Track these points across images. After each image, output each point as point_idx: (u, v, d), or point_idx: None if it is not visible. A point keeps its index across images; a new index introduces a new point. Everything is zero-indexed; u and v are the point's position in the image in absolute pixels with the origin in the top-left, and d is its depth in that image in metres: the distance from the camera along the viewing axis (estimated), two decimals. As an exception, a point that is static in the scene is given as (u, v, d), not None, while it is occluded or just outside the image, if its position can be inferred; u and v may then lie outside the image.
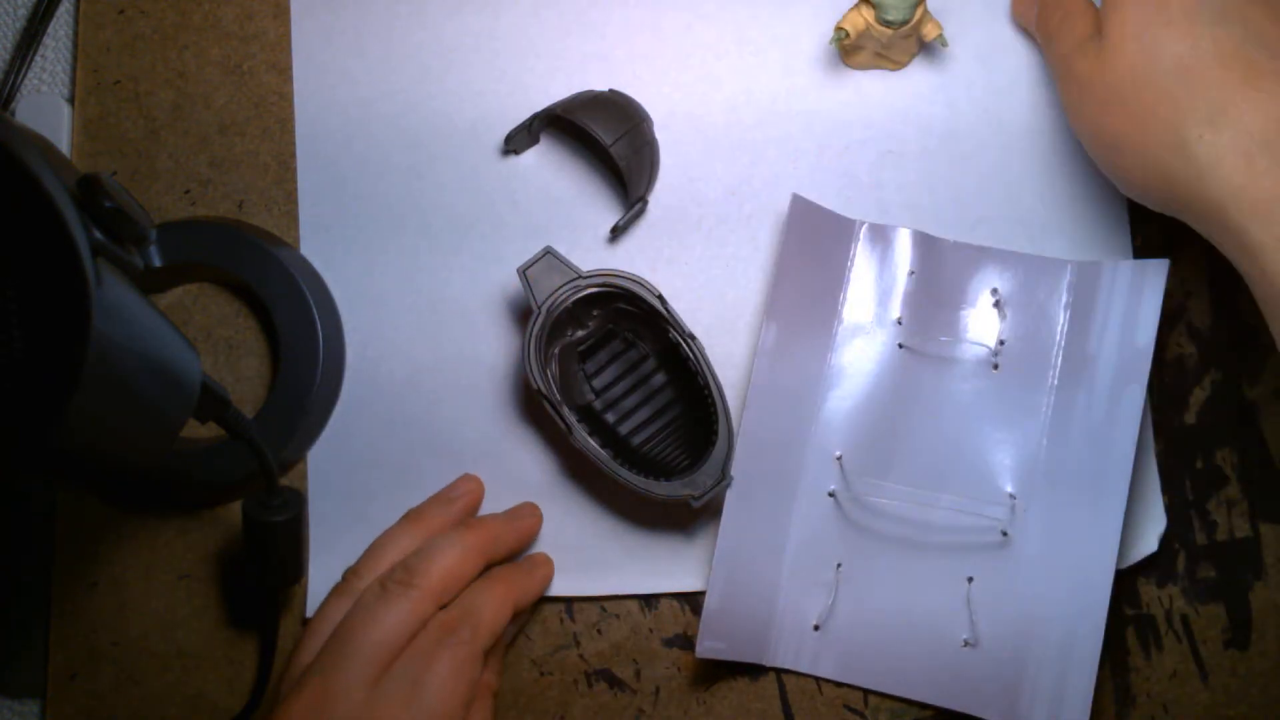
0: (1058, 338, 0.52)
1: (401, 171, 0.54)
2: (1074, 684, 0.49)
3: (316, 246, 0.54)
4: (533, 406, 0.53)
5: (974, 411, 0.52)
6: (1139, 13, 0.45)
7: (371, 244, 0.54)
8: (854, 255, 0.53)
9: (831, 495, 0.52)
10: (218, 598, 0.53)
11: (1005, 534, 0.51)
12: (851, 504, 0.51)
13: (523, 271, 0.50)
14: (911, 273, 0.52)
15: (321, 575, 0.53)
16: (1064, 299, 0.52)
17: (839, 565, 0.51)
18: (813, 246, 0.52)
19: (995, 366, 0.52)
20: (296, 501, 0.50)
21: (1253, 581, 0.53)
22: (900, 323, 0.52)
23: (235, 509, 0.53)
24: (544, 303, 0.50)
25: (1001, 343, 0.52)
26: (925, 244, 0.53)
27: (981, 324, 0.52)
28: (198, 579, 0.53)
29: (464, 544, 0.48)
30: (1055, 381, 0.51)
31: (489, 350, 0.54)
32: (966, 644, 0.50)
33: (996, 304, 0.52)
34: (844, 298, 0.53)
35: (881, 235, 0.53)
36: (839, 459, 0.52)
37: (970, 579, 0.51)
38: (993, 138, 0.54)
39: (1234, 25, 0.44)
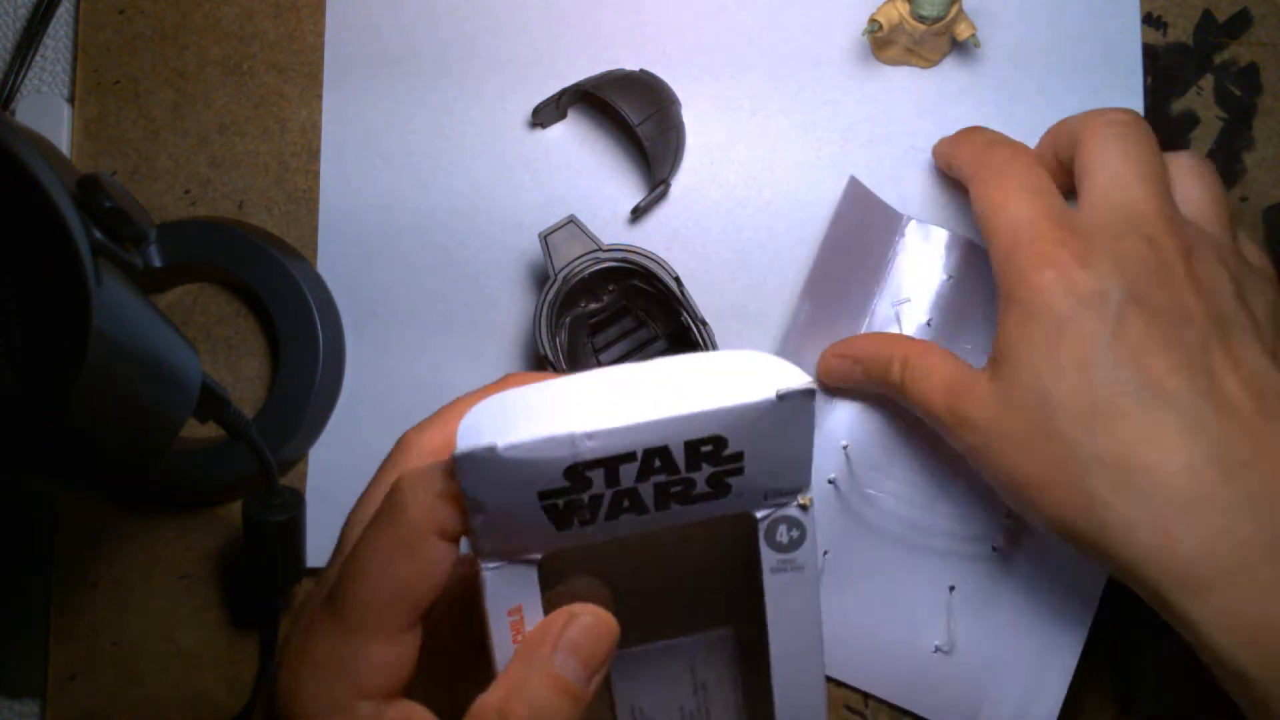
0: None
1: (426, 132, 0.55)
2: (1042, 699, 0.49)
3: (336, 203, 0.54)
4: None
5: None
6: (1030, 361, 0.42)
7: (392, 198, 0.54)
8: (898, 249, 0.53)
9: (831, 482, 0.51)
10: (218, 598, 0.53)
11: (996, 549, 0.50)
12: (850, 494, 0.51)
13: (544, 237, 0.50)
14: (949, 277, 0.52)
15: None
16: None
17: (825, 553, 0.51)
18: (859, 232, 0.52)
19: None
20: (296, 501, 0.50)
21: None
22: (929, 324, 0.52)
23: (235, 509, 0.53)
24: (561, 270, 0.50)
25: None
26: (967, 250, 0.52)
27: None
28: (198, 579, 0.53)
29: None
30: None
31: (499, 316, 0.54)
32: (938, 650, 0.50)
33: None
34: (880, 289, 0.52)
35: (925, 234, 0.53)
36: (845, 448, 0.51)
37: (952, 587, 0.51)
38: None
39: (1131, 376, 0.41)
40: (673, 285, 0.50)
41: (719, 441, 0.32)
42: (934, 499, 0.51)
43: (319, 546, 0.52)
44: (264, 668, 0.52)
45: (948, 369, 0.46)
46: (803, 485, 0.35)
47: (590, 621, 0.33)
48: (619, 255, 0.50)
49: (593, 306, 0.52)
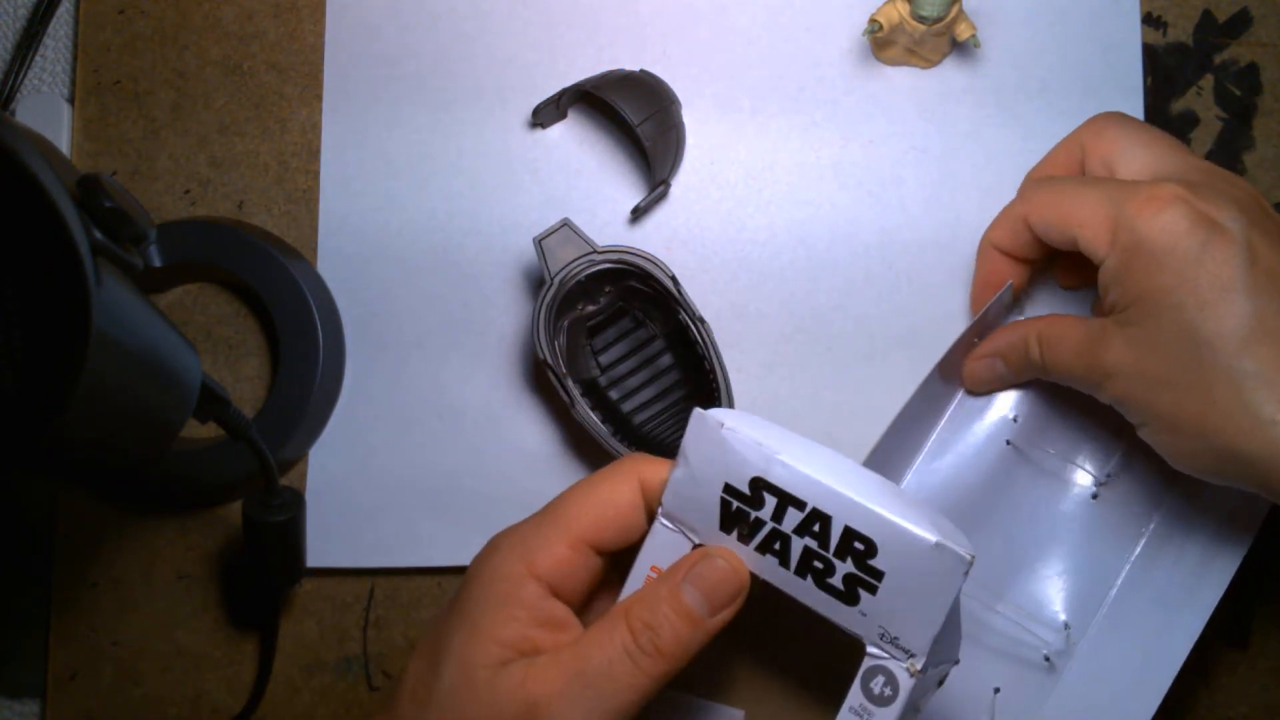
0: (1169, 489, 0.50)
1: (426, 131, 0.55)
2: None
3: (336, 203, 0.54)
4: (538, 377, 0.53)
5: (1057, 532, 0.50)
6: (1168, 300, 0.42)
7: (392, 198, 0.54)
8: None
9: None
10: (218, 598, 0.53)
11: (1048, 659, 0.49)
12: None
13: (539, 241, 0.50)
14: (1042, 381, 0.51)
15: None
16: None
17: None
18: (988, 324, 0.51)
19: (1095, 496, 0.50)
20: (296, 501, 0.50)
21: (1253, 581, 0.53)
22: (1015, 420, 0.51)
23: (235, 509, 0.53)
24: (557, 274, 0.50)
25: (1109, 476, 0.50)
26: None
27: (1096, 450, 0.51)
28: (198, 579, 0.53)
29: None
30: (1151, 530, 0.50)
31: (499, 317, 0.54)
32: None
33: (1118, 433, 0.50)
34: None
35: None
36: None
37: (997, 689, 0.49)
38: (1020, 143, 0.54)
39: (1275, 296, 0.41)
40: (669, 284, 0.50)
41: (870, 546, 0.36)
42: (997, 596, 0.50)
43: (319, 546, 0.52)
44: (264, 668, 0.52)
45: (1077, 329, 0.46)
46: (918, 652, 0.37)
47: (719, 564, 0.39)
48: (614, 256, 0.50)
49: (590, 309, 0.52)
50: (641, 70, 0.54)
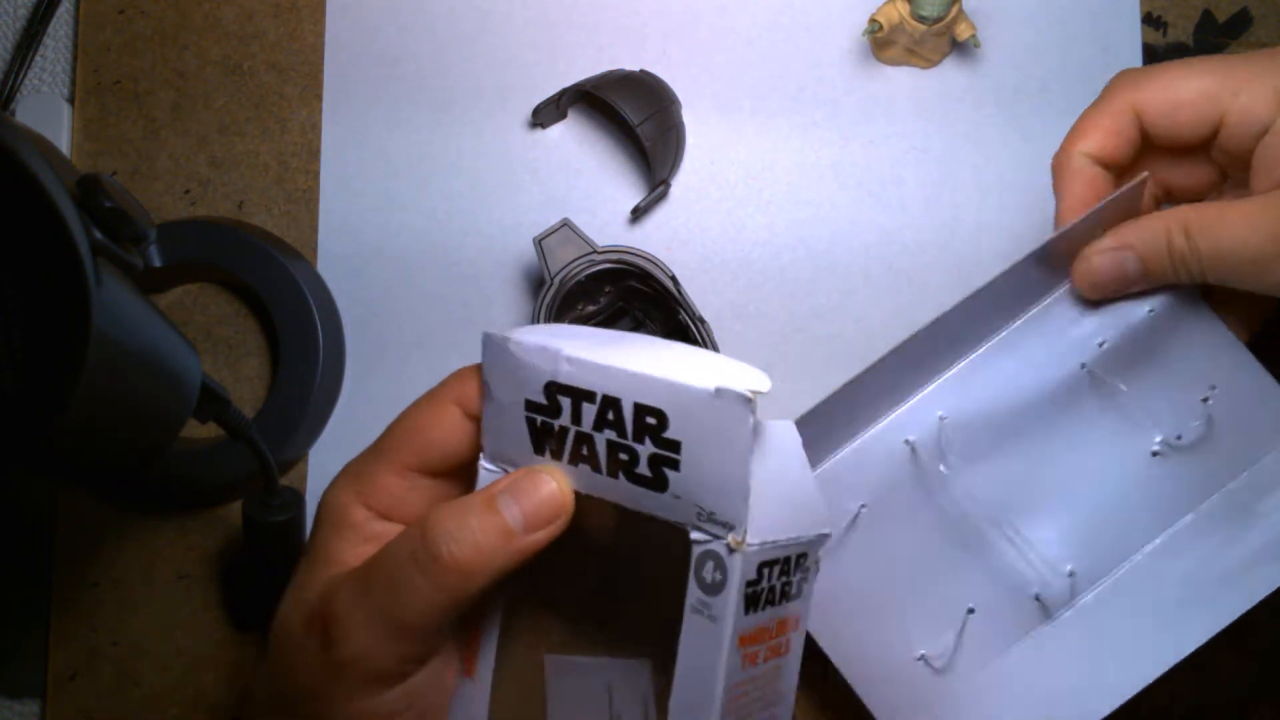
0: (1238, 473, 0.46)
1: (426, 131, 0.55)
2: None
3: (336, 203, 0.54)
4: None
5: (1100, 476, 0.46)
6: None
7: (392, 198, 0.54)
8: None
9: (908, 443, 0.46)
10: (218, 598, 0.53)
11: (1039, 599, 0.46)
12: (924, 462, 0.46)
13: (539, 241, 0.50)
14: (1151, 310, 0.45)
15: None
16: (1273, 442, 0.45)
17: (863, 506, 0.46)
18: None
19: (1155, 453, 0.46)
20: (296, 501, 0.50)
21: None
22: (1101, 345, 0.45)
23: (235, 509, 0.53)
24: (557, 274, 0.50)
25: (1179, 437, 0.46)
26: (1184, 293, 0.45)
27: (1175, 403, 0.46)
28: (198, 579, 0.53)
29: None
30: (1202, 509, 0.45)
31: (499, 317, 0.54)
32: (923, 659, 0.46)
33: (1205, 400, 0.46)
34: (1069, 283, 0.46)
35: None
36: (942, 418, 0.46)
37: (971, 610, 0.46)
38: (1020, 144, 0.54)
39: None
40: (669, 284, 0.50)
41: (660, 417, 0.33)
42: (1005, 515, 0.46)
43: (319, 546, 0.52)
44: (264, 668, 0.52)
45: (1245, 206, 0.41)
46: (737, 521, 0.33)
47: (546, 479, 0.36)
48: (614, 256, 0.50)
49: (590, 309, 0.52)
50: (641, 70, 0.54)
